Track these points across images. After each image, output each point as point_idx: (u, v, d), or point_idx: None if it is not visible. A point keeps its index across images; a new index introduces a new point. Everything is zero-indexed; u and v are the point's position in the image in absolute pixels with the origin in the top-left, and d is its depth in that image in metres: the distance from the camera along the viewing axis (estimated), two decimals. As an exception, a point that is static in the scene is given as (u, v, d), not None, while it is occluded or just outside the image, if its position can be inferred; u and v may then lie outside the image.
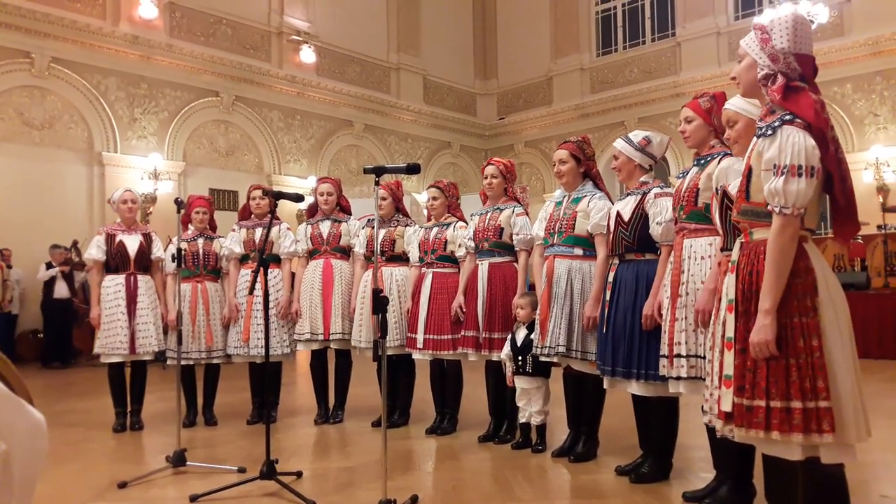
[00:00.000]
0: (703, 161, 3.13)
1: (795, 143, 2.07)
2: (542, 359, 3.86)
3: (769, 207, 2.12)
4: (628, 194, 3.61)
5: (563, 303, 3.78)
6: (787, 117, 2.13)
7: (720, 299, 2.53)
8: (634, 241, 3.48)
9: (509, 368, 4.14)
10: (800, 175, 2.05)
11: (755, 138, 2.24)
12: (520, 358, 4.05)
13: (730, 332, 2.24)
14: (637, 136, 3.64)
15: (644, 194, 3.49)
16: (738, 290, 2.23)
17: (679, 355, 3.04)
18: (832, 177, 2.16)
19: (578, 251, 3.84)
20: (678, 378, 3.06)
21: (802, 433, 2.01)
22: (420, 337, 4.58)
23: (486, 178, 4.50)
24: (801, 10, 8.97)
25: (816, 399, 2.01)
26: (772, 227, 2.11)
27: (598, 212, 3.78)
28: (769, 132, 2.14)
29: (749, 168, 2.24)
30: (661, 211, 3.36)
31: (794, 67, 2.20)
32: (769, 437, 2.06)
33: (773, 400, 2.06)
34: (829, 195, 2.25)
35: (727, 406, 2.19)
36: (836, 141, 2.16)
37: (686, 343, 3.03)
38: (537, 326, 3.90)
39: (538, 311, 3.92)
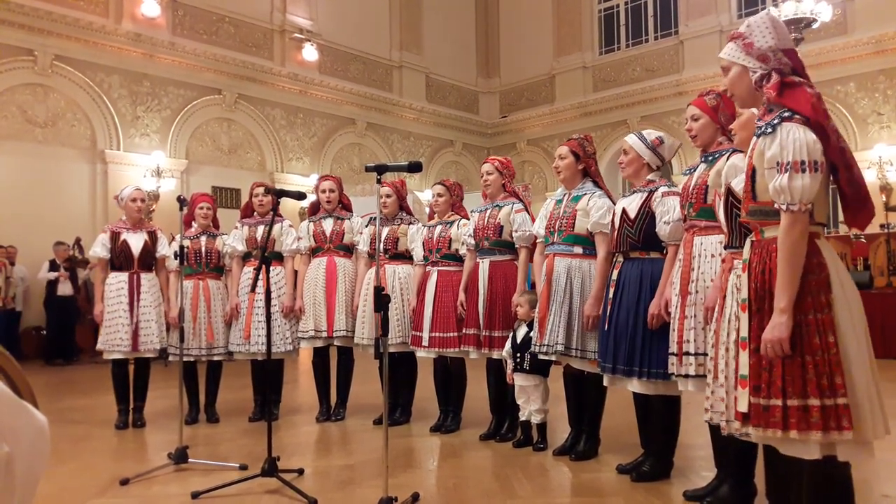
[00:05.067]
0: (710, 158, 3.11)
1: (796, 139, 2.06)
2: (541, 357, 3.86)
3: (776, 205, 2.10)
4: (634, 192, 3.58)
5: (563, 301, 3.78)
6: (786, 114, 2.12)
7: (724, 297, 2.52)
8: (640, 239, 3.47)
9: (509, 366, 4.14)
10: (803, 170, 2.04)
11: (755, 137, 2.23)
12: (518, 355, 4.06)
13: (744, 332, 2.22)
14: (651, 134, 3.61)
15: (651, 192, 3.47)
16: (751, 289, 2.20)
17: (687, 353, 3.03)
18: (837, 167, 2.15)
19: (578, 249, 3.83)
20: (686, 376, 3.04)
21: (821, 431, 1.98)
22: (425, 335, 4.58)
23: (482, 175, 4.52)
24: (805, 9, 8.95)
25: (834, 396, 1.99)
26: (781, 224, 2.09)
27: (597, 210, 3.77)
28: (769, 130, 2.13)
29: (752, 168, 2.22)
30: (668, 210, 3.34)
31: (786, 62, 2.20)
32: (787, 437, 2.03)
33: (789, 398, 2.03)
34: (838, 187, 2.23)
35: (744, 406, 2.16)
36: (836, 131, 2.15)
37: (694, 341, 3.01)
38: (536, 324, 3.90)
39: (537, 310, 3.92)
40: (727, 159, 2.90)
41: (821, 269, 2.09)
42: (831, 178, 2.20)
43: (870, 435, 2.03)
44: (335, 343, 5.07)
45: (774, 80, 2.17)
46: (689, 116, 3.21)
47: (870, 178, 11.38)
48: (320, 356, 5.20)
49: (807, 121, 2.09)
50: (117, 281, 4.96)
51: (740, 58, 2.26)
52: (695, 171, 3.19)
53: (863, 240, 9.72)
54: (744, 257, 2.30)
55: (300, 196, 3.80)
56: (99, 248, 5.01)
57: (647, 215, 3.44)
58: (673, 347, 3.12)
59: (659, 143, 3.57)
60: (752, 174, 2.23)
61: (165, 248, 5.17)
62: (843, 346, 2.04)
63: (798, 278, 2.07)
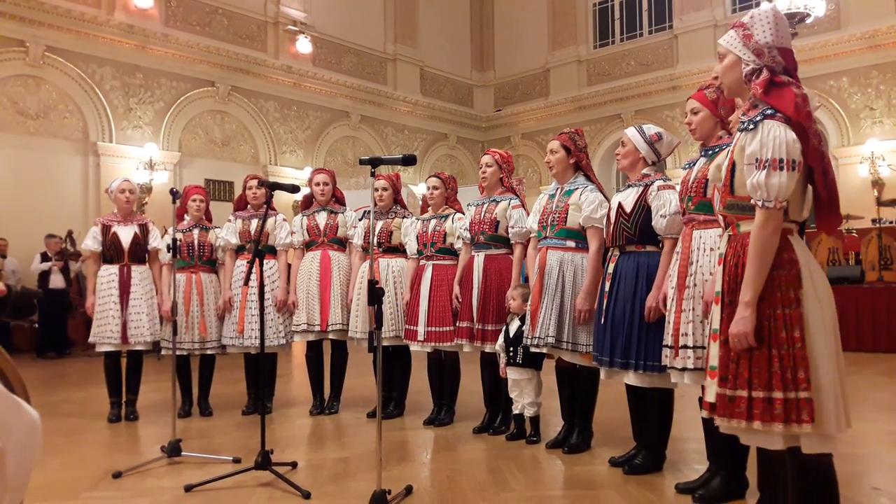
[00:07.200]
0: (710, 152, 3.11)
1: (776, 136, 2.09)
2: (532, 350, 3.87)
3: (752, 201, 2.14)
4: (629, 186, 3.58)
5: (555, 294, 3.79)
6: (769, 111, 2.14)
7: None
8: (636, 232, 3.47)
9: (502, 360, 4.15)
10: (781, 168, 2.08)
11: (738, 133, 2.25)
12: (511, 349, 4.07)
13: (715, 324, 2.27)
14: (650, 129, 3.61)
15: (646, 186, 3.47)
16: (725, 282, 2.25)
17: (686, 346, 3.04)
18: (814, 170, 2.18)
19: (571, 243, 3.84)
20: (683, 369, 3.05)
21: (783, 423, 2.04)
22: (421, 329, 4.58)
23: (481, 167, 4.51)
24: (799, 3, 8.95)
25: (797, 389, 2.04)
26: (755, 220, 2.14)
27: (589, 204, 3.77)
28: (751, 127, 2.16)
29: (732, 163, 2.26)
30: (664, 203, 3.35)
31: (779, 61, 2.22)
32: (751, 427, 2.10)
33: (755, 390, 2.09)
34: (812, 188, 2.26)
35: (711, 397, 2.23)
36: (818, 135, 2.18)
37: (693, 334, 3.01)
38: (528, 317, 3.91)
39: (529, 303, 3.93)
40: (727, 154, 2.90)
41: (791, 265, 2.12)
42: (808, 180, 2.23)
43: (832, 429, 2.07)
44: (330, 337, 5.07)
45: (763, 77, 2.19)
46: (688, 110, 3.20)
47: (862, 173, 11.44)
48: (314, 350, 5.20)
49: (788, 120, 2.12)
50: (108, 273, 4.96)
51: (737, 48, 2.27)
52: (695, 165, 3.19)
53: (855, 234, 9.78)
54: (720, 251, 2.34)
55: (293, 189, 3.78)
56: (90, 241, 5.02)
57: (643, 209, 3.45)
58: (668, 340, 3.12)
59: (657, 138, 3.57)
60: (732, 168, 2.26)
61: (157, 241, 5.15)
62: (810, 342, 2.07)
63: (765, 274, 2.11)
